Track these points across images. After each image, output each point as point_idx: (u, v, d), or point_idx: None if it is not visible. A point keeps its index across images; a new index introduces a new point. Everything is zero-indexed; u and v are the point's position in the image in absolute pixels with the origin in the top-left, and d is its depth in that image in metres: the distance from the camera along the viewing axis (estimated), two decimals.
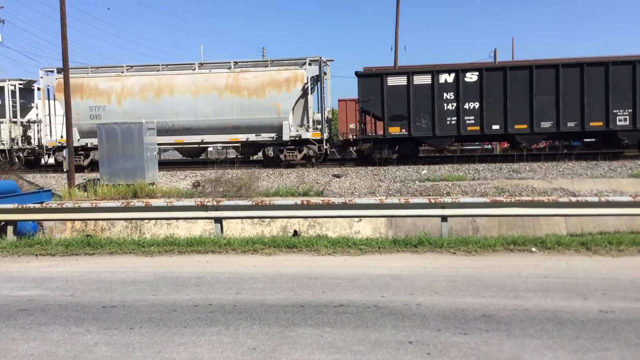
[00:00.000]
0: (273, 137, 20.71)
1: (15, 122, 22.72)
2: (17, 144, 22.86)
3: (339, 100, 30.61)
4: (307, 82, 20.50)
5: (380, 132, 20.67)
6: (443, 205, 10.45)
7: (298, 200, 11.73)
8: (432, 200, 10.58)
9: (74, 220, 13.74)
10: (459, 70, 19.57)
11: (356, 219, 13.65)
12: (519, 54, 70.18)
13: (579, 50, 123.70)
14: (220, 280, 7.67)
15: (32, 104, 24.02)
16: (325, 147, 20.89)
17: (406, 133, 19.79)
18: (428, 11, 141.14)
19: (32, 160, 23.62)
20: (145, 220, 14.15)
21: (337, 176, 18.65)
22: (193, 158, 24.95)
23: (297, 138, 20.53)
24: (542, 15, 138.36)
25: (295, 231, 13.85)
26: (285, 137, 20.35)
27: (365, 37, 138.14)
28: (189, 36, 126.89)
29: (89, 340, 5.39)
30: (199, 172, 19.97)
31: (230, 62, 21.09)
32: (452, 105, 19.47)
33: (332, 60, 21.18)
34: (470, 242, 9.63)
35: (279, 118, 20.40)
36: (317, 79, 21.04)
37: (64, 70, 18.77)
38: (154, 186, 17.96)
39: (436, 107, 19.48)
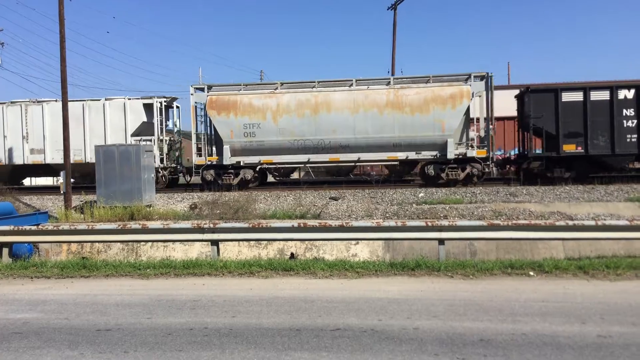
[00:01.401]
0: (435, 155, 20.24)
1: (161, 140, 22.44)
2: (163, 162, 22.48)
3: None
4: (473, 99, 20.12)
5: (542, 149, 20.09)
6: (440, 228, 10.44)
7: (295, 222, 11.70)
8: (429, 223, 10.58)
9: (70, 242, 13.68)
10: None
11: (353, 242, 13.63)
12: (514, 79, 70.87)
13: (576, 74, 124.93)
14: (216, 304, 7.61)
15: (169, 122, 23.72)
16: (491, 165, 20.29)
17: (582, 151, 19.32)
18: (420, 42, 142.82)
19: (172, 179, 23.39)
20: (142, 243, 14.10)
21: (334, 199, 18.65)
22: (345, 177, 24.31)
23: (460, 156, 20.08)
24: (532, 41, 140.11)
25: (292, 254, 13.80)
26: (450, 155, 19.92)
27: (363, 63, 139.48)
28: (186, 59, 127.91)
29: None
30: (196, 195, 19.97)
31: (389, 79, 20.75)
32: (632, 122, 19.10)
33: (493, 75, 20.45)
34: (468, 265, 9.61)
35: (443, 135, 19.99)
36: (477, 95, 20.48)
37: (62, 91, 18.83)
38: (151, 208, 17.94)
39: (615, 124, 19.10)
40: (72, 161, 21.46)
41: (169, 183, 23.29)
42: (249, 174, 21.06)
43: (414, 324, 6.38)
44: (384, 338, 5.89)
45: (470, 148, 20.15)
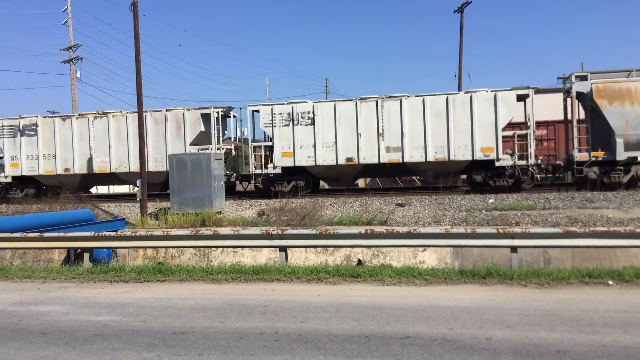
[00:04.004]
0: None
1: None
2: (530, 159, 20.08)
3: None
4: None
5: None
6: (512, 236, 10.14)
7: (362, 229, 11.69)
8: (501, 230, 10.29)
9: (146, 247, 14.25)
10: None
11: (420, 249, 13.48)
12: None
13: None
14: (285, 309, 7.71)
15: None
16: None
17: None
18: (490, 35, 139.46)
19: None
20: (213, 248, 14.50)
21: (401, 205, 18.50)
22: None
23: None
24: (608, 40, 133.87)
25: (359, 260, 13.81)
26: None
27: (425, 67, 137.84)
28: (255, 68, 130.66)
29: None
30: (264, 202, 20.33)
31: None
32: None
33: None
34: (542, 274, 9.27)
35: None
36: None
37: (138, 103, 19.69)
38: (221, 215, 18.43)
39: None
40: (433, 159, 20.51)
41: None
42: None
43: (487, 334, 6.23)
44: (455, 347, 5.79)
45: None
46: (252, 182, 22.99)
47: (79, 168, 23.81)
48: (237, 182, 24.26)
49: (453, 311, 7.28)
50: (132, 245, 13.08)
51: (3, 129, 24.67)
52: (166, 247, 13.77)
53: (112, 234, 12.84)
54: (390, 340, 6.08)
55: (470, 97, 20.27)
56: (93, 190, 28.92)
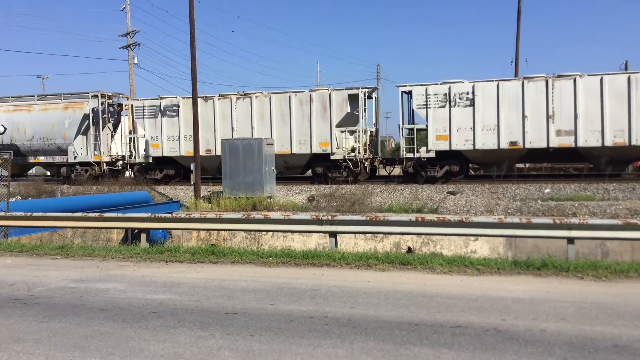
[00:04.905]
0: None
1: None
2: None
3: None
4: None
5: None
6: (569, 227, 9.83)
7: (412, 216, 11.59)
8: (557, 221, 9.99)
9: (199, 229, 14.57)
10: None
11: (472, 238, 13.29)
12: None
13: None
14: (335, 294, 7.76)
15: None
16: None
17: None
18: (548, 22, 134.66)
19: None
20: (264, 232, 14.71)
21: (452, 193, 18.25)
22: None
23: None
24: None
25: (409, 248, 13.74)
26: None
27: (482, 53, 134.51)
28: (305, 54, 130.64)
29: (213, 345, 5.68)
30: (314, 187, 20.43)
31: None
32: None
33: None
34: (600, 266, 8.96)
35: None
36: None
37: (193, 88, 20.06)
38: (272, 199, 18.66)
39: None
40: (610, 144, 19.22)
41: None
42: None
43: (541, 326, 6.09)
44: (508, 338, 5.69)
45: None
46: (400, 166, 22.33)
47: (221, 149, 23.56)
48: (380, 166, 23.70)
49: (506, 302, 7.15)
50: (186, 227, 13.41)
51: (144, 109, 24.76)
52: (219, 230, 14.07)
53: (168, 215, 13.19)
54: (440, 329, 6.03)
55: None
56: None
